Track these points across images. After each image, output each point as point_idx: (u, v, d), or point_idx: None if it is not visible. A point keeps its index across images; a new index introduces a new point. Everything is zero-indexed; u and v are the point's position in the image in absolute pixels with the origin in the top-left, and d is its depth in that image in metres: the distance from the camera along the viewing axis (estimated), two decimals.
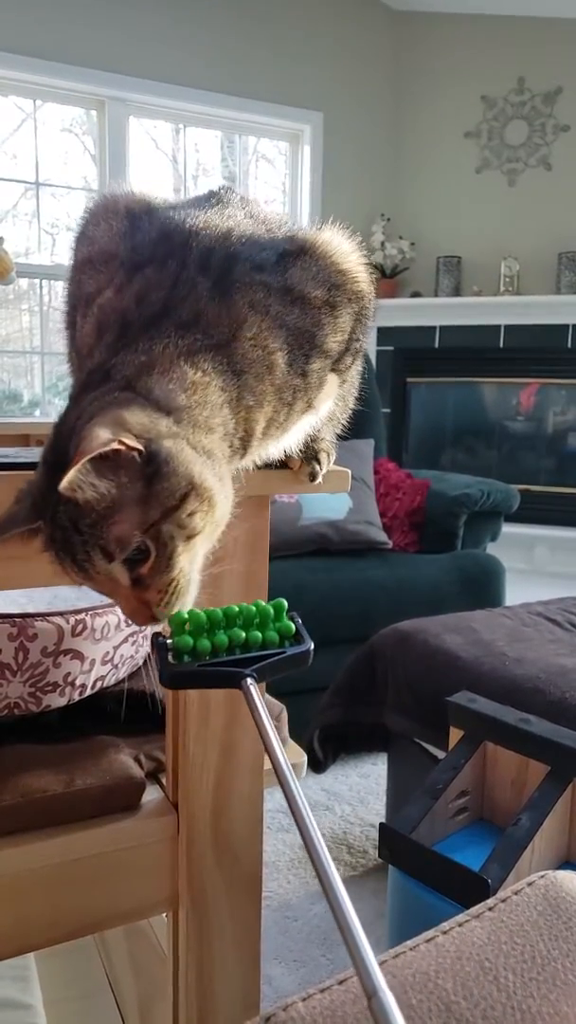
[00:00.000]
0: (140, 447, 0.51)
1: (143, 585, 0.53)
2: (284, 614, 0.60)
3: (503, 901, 0.51)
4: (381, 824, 1.10)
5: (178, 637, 0.56)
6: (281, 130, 4.50)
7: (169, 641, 0.57)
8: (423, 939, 0.48)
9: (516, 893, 0.52)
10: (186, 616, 0.57)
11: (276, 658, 0.57)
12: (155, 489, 0.51)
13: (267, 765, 0.97)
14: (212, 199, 0.69)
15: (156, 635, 0.58)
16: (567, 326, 4.26)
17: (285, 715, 1.15)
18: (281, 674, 0.59)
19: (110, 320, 0.59)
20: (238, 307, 0.60)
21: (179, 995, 0.79)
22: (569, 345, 4.27)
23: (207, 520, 0.54)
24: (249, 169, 4.64)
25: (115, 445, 0.49)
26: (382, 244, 4.50)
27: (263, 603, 0.60)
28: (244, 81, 4.22)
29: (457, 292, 4.51)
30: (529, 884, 0.53)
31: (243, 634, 0.57)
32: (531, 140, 4.43)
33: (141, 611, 0.54)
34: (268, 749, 0.49)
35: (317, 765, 1.88)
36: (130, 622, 0.69)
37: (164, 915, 0.82)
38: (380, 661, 1.74)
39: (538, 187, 4.44)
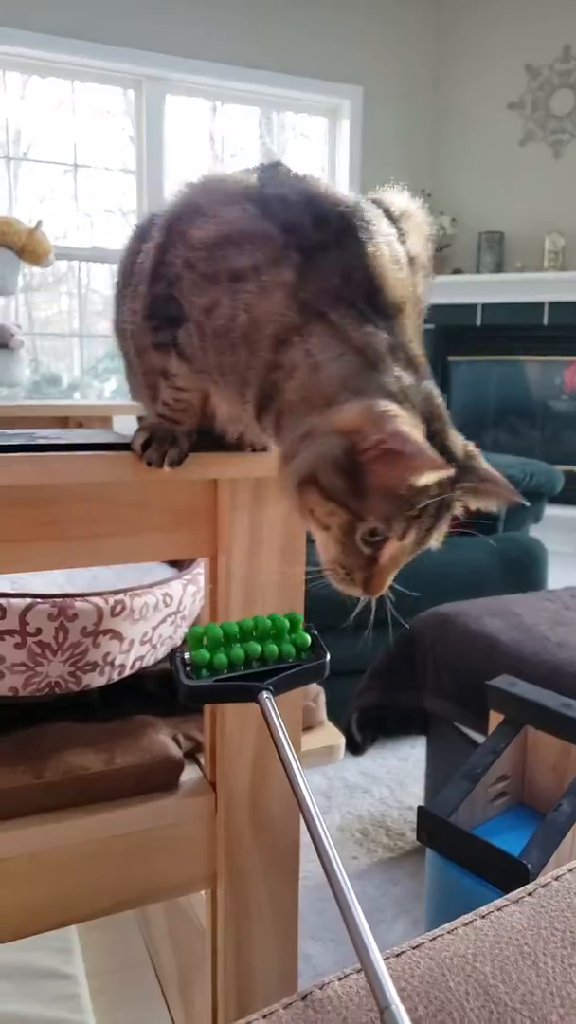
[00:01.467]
0: None
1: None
2: (300, 626, 0.60)
3: (543, 887, 0.51)
4: (420, 807, 1.10)
5: (195, 652, 0.57)
6: (320, 105, 4.44)
7: (187, 656, 0.58)
8: (461, 923, 0.48)
9: (556, 879, 0.52)
10: (203, 631, 0.58)
11: (292, 671, 0.57)
12: None
13: (306, 745, 0.97)
14: (279, 171, 0.66)
15: (173, 651, 0.59)
16: None
17: (323, 698, 1.15)
18: (298, 686, 0.59)
19: (326, 297, 0.57)
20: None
21: (217, 970, 0.80)
22: None
23: None
24: (287, 147, 4.60)
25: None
26: None
27: (279, 616, 0.60)
28: (282, 56, 4.17)
29: (500, 268, 4.42)
30: (570, 870, 0.52)
31: (259, 648, 0.58)
32: None
33: (388, 579, 0.58)
34: (284, 763, 0.49)
35: (355, 748, 1.88)
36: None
37: (203, 892, 0.83)
38: (419, 644, 1.73)
39: None
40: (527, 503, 0.60)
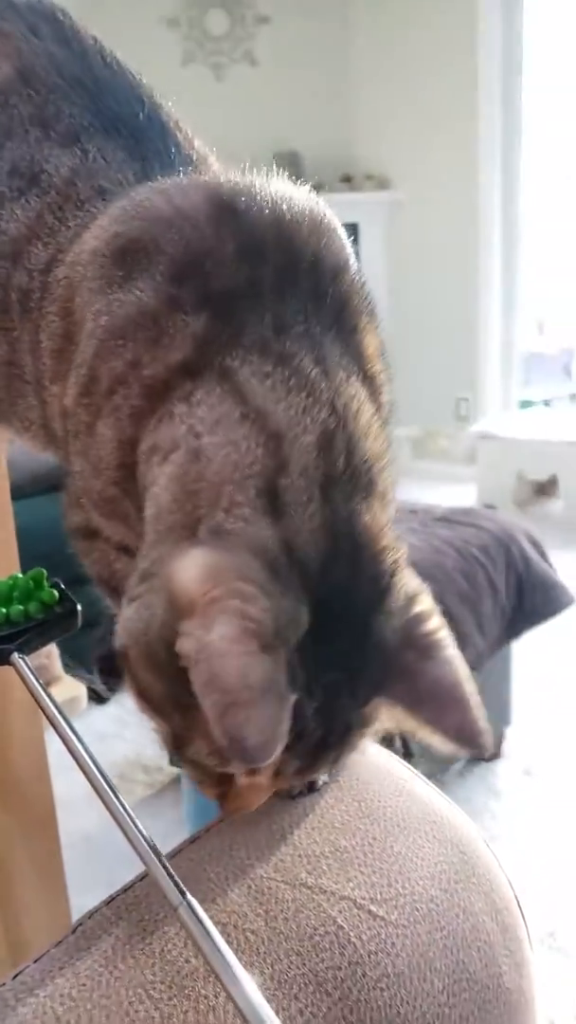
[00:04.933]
0: None
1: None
2: (44, 583, 0.59)
3: None
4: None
5: None
6: None
7: None
8: (216, 821, 0.51)
9: None
10: None
11: (40, 627, 0.56)
12: None
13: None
14: None
15: None
16: None
17: (56, 652, 1.13)
18: (50, 641, 0.57)
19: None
20: None
21: None
22: None
23: None
24: None
25: None
26: None
27: (20, 576, 0.58)
28: None
29: None
30: None
31: (3, 610, 0.56)
32: (233, 32, 4.35)
33: (257, 803, 0.43)
34: (51, 720, 0.47)
35: (100, 698, 1.87)
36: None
37: None
38: None
39: (246, 83, 4.40)
40: (488, 754, 0.41)
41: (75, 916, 0.84)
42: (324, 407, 0.39)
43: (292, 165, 4.68)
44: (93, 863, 1.51)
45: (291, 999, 0.38)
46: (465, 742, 0.37)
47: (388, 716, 0.39)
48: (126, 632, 0.39)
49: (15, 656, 0.52)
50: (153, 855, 0.40)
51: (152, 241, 0.44)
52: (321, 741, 0.37)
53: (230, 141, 0.64)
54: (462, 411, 4.79)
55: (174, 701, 0.36)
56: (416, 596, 0.38)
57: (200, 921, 0.36)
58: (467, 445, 4.24)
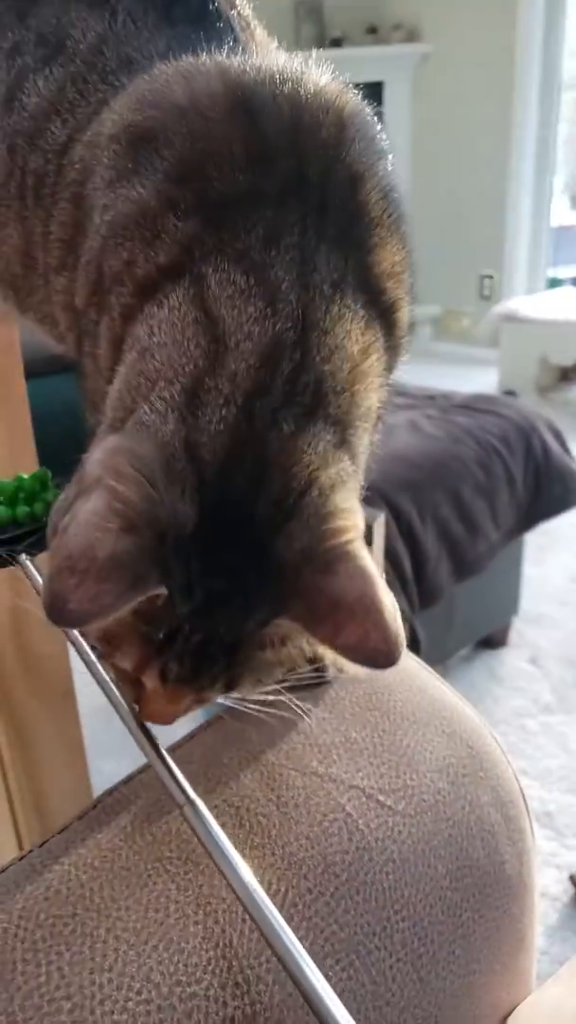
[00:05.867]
0: None
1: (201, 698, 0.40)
2: (49, 482, 0.58)
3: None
4: None
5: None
6: None
7: None
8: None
9: None
10: None
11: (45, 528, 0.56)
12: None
13: None
14: None
15: None
16: None
17: None
18: None
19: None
20: None
21: (13, 803, 0.82)
22: None
23: None
24: None
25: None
26: None
27: (25, 476, 0.57)
28: None
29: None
30: None
31: (11, 511, 0.55)
32: None
33: (166, 713, 0.41)
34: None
35: None
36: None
37: None
38: None
39: None
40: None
41: (94, 780, 0.90)
42: (284, 320, 0.37)
43: (314, 15, 4.31)
44: (111, 730, 1.59)
45: (300, 878, 0.40)
46: (366, 657, 0.34)
47: (298, 638, 0.38)
48: (53, 513, 0.38)
49: (23, 557, 0.53)
50: (159, 759, 0.40)
51: (163, 133, 0.42)
52: (201, 648, 0.36)
53: None
54: (485, 290, 4.61)
55: None
56: (333, 514, 0.36)
57: (204, 820, 0.37)
58: (490, 326, 4.11)
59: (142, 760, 0.45)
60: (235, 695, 0.40)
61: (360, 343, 0.39)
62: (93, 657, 0.43)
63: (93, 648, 0.43)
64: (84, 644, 0.44)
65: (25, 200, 0.51)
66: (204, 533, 0.34)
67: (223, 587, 0.35)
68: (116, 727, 0.47)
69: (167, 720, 0.41)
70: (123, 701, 0.42)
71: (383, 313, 0.42)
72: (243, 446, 0.35)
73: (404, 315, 0.43)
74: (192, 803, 0.38)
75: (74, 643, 0.45)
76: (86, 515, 0.33)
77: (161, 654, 0.37)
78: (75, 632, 0.44)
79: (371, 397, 0.40)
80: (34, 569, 0.52)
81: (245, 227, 0.39)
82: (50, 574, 0.32)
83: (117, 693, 0.42)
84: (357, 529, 0.36)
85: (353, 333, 0.39)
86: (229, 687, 0.38)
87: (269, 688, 0.41)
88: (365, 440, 0.40)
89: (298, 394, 0.37)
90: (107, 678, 0.43)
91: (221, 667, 0.37)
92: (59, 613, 0.32)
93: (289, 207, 0.40)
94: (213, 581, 0.35)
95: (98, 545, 0.32)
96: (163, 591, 0.35)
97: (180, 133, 0.41)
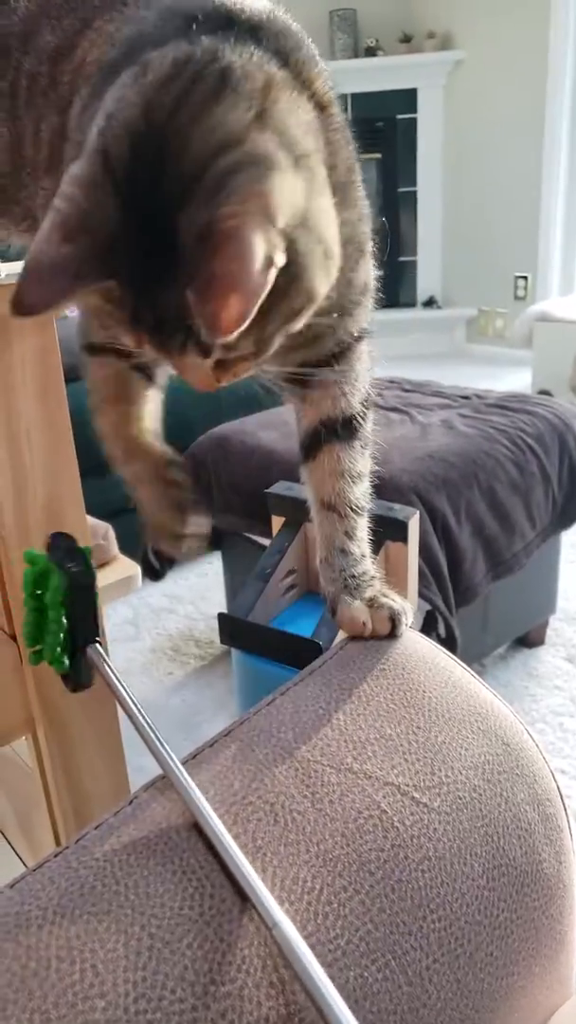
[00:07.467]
0: (284, 261, 0.40)
1: (223, 368, 0.45)
2: (52, 571, 0.60)
3: (331, 657, 0.57)
4: (220, 613, 1.17)
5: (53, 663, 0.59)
6: None
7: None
8: (265, 703, 0.53)
9: (341, 648, 0.58)
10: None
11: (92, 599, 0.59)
12: (278, 304, 0.41)
13: (103, 580, 0.97)
14: None
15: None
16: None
17: (112, 534, 1.15)
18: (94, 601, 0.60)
19: None
20: None
21: (52, 804, 0.83)
22: None
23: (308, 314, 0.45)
24: None
25: (270, 276, 0.38)
26: None
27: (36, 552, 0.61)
28: None
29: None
30: (347, 639, 0.59)
31: (63, 611, 0.58)
32: None
33: (207, 381, 0.46)
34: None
35: (155, 574, 1.93)
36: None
37: (25, 738, 0.84)
38: (202, 468, 1.76)
39: None
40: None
41: (134, 777, 0.90)
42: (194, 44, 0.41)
43: (348, 24, 4.31)
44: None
45: (335, 876, 0.40)
46: (205, 321, 0.39)
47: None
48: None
49: (96, 648, 0.59)
50: (250, 877, 0.40)
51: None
52: (159, 322, 0.42)
53: None
54: (520, 291, 4.56)
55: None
56: (230, 196, 0.38)
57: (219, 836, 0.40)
58: (524, 327, 4.06)
59: (179, 756, 0.45)
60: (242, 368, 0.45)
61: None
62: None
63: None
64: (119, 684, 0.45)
65: (18, 99, 0.53)
66: (127, 226, 0.40)
67: (151, 269, 0.40)
68: (157, 725, 0.48)
69: (210, 386, 0.46)
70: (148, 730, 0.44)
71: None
72: (143, 139, 0.40)
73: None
74: (281, 928, 0.37)
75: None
76: (39, 234, 0.40)
77: (136, 330, 0.43)
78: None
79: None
80: (106, 664, 0.56)
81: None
82: (17, 280, 0.40)
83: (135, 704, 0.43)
84: (261, 209, 0.38)
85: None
86: (204, 353, 0.42)
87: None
88: (292, 121, 0.42)
89: (201, 81, 0.40)
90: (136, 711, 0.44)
91: (182, 337, 0.42)
92: (19, 306, 0.40)
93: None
94: (145, 265, 0.40)
95: (43, 256, 0.40)
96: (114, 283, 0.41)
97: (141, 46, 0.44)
